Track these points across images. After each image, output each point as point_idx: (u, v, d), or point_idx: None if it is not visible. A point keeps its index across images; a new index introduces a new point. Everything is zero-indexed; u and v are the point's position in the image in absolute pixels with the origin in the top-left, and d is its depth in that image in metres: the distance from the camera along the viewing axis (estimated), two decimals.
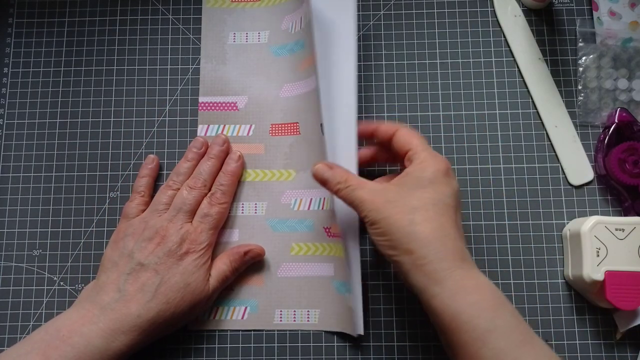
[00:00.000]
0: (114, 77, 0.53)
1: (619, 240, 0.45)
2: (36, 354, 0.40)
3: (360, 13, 0.54)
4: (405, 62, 0.53)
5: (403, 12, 0.54)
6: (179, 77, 0.53)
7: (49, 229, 0.51)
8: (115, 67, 0.54)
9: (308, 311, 0.48)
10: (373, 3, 0.54)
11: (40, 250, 0.50)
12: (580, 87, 0.51)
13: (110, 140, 0.52)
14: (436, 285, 0.37)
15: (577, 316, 0.48)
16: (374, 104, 0.52)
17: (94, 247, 0.50)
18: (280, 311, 0.48)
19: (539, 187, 0.50)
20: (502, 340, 0.36)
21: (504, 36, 0.53)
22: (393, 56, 0.53)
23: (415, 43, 0.53)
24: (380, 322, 0.48)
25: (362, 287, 0.47)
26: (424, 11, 0.54)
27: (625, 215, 0.49)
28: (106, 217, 0.51)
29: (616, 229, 0.45)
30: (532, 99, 0.52)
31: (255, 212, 0.50)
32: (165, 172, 0.51)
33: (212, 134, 0.52)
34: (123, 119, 0.53)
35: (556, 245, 0.49)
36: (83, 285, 0.49)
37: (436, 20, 0.54)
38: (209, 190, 0.48)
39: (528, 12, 0.53)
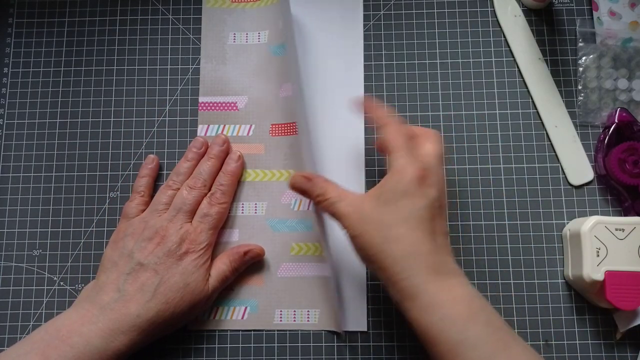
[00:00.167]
0: (114, 77, 0.53)
1: (619, 240, 0.45)
2: (35, 354, 0.40)
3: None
4: (405, 62, 0.53)
5: (403, 12, 0.54)
6: (179, 77, 0.53)
7: (49, 229, 0.51)
8: (115, 67, 0.54)
9: (308, 311, 0.48)
10: (373, 3, 0.54)
11: (40, 250, 0.50)
12: (580, 87, 0.51)
13: (110, 140, 0.52)
14: (409, 300, 0.38)
15: (577, 316, 0.48)
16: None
17: (94, 247, 0.50)
18: (280, 311, 0.48)
19: (539, 187, 0.50)
20: (473, 351, 0.36)
21: (504, 36, 0.53)
22: (393, 56, 0.53)
23: (415, 43, 0.53)
24: (380, 322, 0.48)
25: (365, 284, 0.47)
26: (424, 11, 0.54)
27: (625, 215, 0.49)
28: (106, 217, 0.51)
29: (616, 229, 0.45)
30: (532, 99, 0.52)
31: (255, 212, 0.50)
32: (165, 172, 0.51)
33: (212, 134, 0.52)
34: (123, 119, 0.53)
35: (556, 245, 0.49)
36: (83, 285, 0.49)
37: (436, 20, 0.54)
38: (209, 190, 0.48)
39: (528, 12, 0.53)
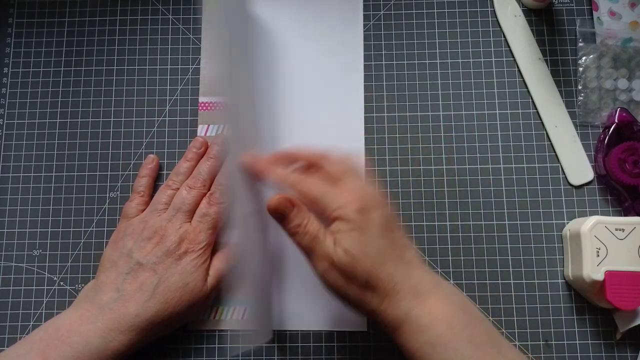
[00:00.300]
0: (114, 77, 0.53)
1: (619, 240, 0.45)
2: (35, 354, 0.40)
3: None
4: (405, 62, 0.53)
5: (403, 12, 0.54)
6: (179, 77, 0.53)
7: (49, 229, 0.51)
8: (115, 67, 0.54)
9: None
10: (373, 3, 0.54)
11: (40, 250, 0.50)
12: (580, 87, 0.51)
13: (110, 140, 0.52)
14: (395, 330, 0.38)
15: (577, 316, 0.48)
16: (374, 104, 0.52)
17: (94, 247, 0.50)
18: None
19: (539, 187, 0.50)
20: None
21: (504, 36, 0.53)
22: (393, 56, 0.53)
23: (415, 43, 0.53)
24: None
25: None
26: (424, 11, 0.54)
27: (625, 215, 0.49)
28: (106, 217, 0.51)
29: (616, 229, 0.45)
30: (532, 99, 0.52)
31: None
32: (165, 172, 0.51)
33: (212, 134, 0.52)
34: (123, 119, 0.53)
35: (556, 245, 0.49)
36: (83, 285, 0.49)
37: (436, 20, 0.54)
38: (209, 190, 0.48)
39: (528, 12, 0.53)
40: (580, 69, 0.52)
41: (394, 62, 0.53)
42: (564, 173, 0.50)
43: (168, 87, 0.53)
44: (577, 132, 0.51)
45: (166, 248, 0.45)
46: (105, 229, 0.51)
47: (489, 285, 0.49)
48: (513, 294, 0.48)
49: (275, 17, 0.53)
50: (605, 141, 0.49)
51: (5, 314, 0.49)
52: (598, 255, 0.44)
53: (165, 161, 0.52)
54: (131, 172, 0.51)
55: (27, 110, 0.53)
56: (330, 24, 0.53)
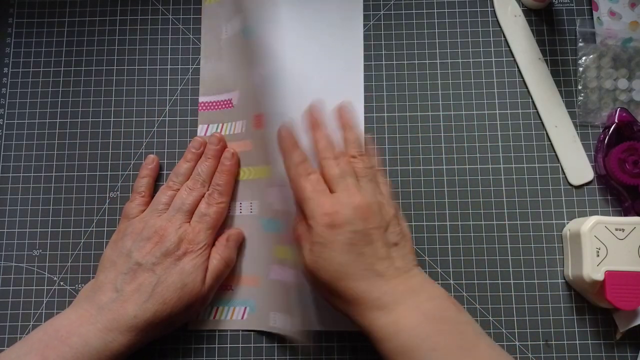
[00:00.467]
0: (114, 77, 0.53)
1: (619, 240, 0.45)
2: (35, 355, 0.40)
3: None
4: (405, 62, 0.53)
5: (403, 12, 0.54)
6: (179, 77, 0.53)
7: (49, 229, 0.51)
8: (115, 67, 0.54)
9: (288, 316, 0.46)
10: (373, 3, 0.54)
11: (40, 250, 0.50)
12: (580, 87, 0.51)
13: (110, 140, 0.52)
14: (366, 332, 0.41)
15: (577, 316, 0.48)
16: (374, 104, 0.52)
17: (94, 247, 0.50)
18: (275, 314, 0.47)
19: (539, 187, 0.50)
20: None
21: (504, 36, 0.53)
22: (393, 56, 0.53)
23: (415, 43, 0.53)
24: None
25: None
26: (424, 11, 0.54)
27: (625, 215, 0.49)
28: (106, 217, 0.51)
29: (616, 229, 0.45)
30: (532, 99, 0.52)
31: (251, 212, 0.50)
32: (165, 172, 0.51)
33: None
34: (123, 119, 0.53)
35: (556, 245, 0.49)
36: (83, 285, 0.49)
37: (436, 20, 0.54)
38: (208, 190, 0.48)
39: (528, 12, 0.53)
40: (580, 69, 0.52)
41: (394, 62, 0.53)
42: (564, 173, 0.50)
43: (168, 87, 0.53)
44: (577, 132, 0.51)
45: (165, 248, 0.45)
46: (105, 229, 0.51)
47: (489, 285, 0.49)
48: (513, 294, 0.48)
49: (275, 17, 0.53)
50: (605, 141, 0.49)
51: (5, 314, 0.49)
52: (598, 255, 0.44)
53: (165, 161, 0.52)
54: (131, 172, 0.51)
55: (27, 110, 0.53)
56: (330, 23, 0.53)
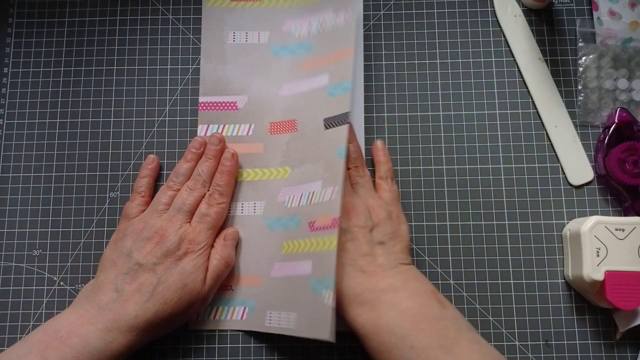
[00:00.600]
0: (114, 77, 0.53)
1: (619, 240, 0.45)
2: (35, 355, 0.40)
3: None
4: (405, 62, 0.53)
5: (403, 12, 0.54)
6: (179, 77, 0.53)
7: (49, 229, 0.51)
8: (115, 67, 0.54)
9: (288, 314, 0.46)
10: (373, 3, 0.54)
11: (40, 250, 0.50)
12: (580, 87, 0.51)
13: (110, 140, 0.52)
14: (352, 330, 0.43)
15: (577, 316, 0.48)
16: (374, 104, 0.52)
17: (94, 247, 0.50)
18: (270, 313, 0.47)
19: (539, 187, 0.50)
20: None
21: (504, 36, 0.53)
22: (393, 56, 0.53)
23: (415, 43, 0.53)
24: None
25: None
26: (424, 11, 0.54)
27: (625, 215, 0.49)
28: (106, 217, 0.51)
29: (616, 229, 0.45)
30: (532, 99, 0.52)
31: (254, 212, 0.50)
32: (165, 172, 0.51)
33: None
34: (123, 119, 0.53)
35: (556, 245, 0.49)
36: (83, 285, 0.49)
37: (436, 20, 0.54)
38: (208, 190, 0.48)
39: (528, 12, 0.53)
40: (580, 69, 0.52)
41: (394, 62, 0.53)
42: (564, 173, 0.50)
43: (168, 87, 0.53)
44: (577, 132, 0.51)
45: (166, 248, 0.45)
46: (105, 229, 0.51)
47: (489, 285, 0.49)
48: (513, 294, 0.48)
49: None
50: (605, 141, 0.49)
51: (5, 314, 0.49)
52: (598, 255, 0.44)
53: (166, 161, 0.52)
54: (131, 172, 0.51)
55: (27, 110, 0.53)
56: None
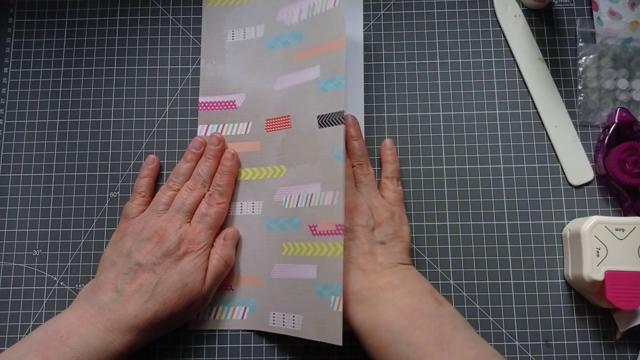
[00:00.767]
0: (114, 77, 0.53)
1: (619, 240, 0.45)
2: (35, 355, 0.40)
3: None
4: (405, 62, 0.53)
5: (403, 12, 0.54)
6: (179, 77, 0.53)
7: (49, 229, 0.51)
8: (115, 67, 0.54)
9: (293, 316, 0.45)
10: (373, 3, 0.54)
11: (40, 250, 0.50)
12: (580, 87, 0.51)
13: (110, 140, 0.52)
14: (350, 328, 0.44)
15: (577, 316, 0.48)
16: (374, 104, 0.52)
17: (94, 247, 0.50)
18: (274, 314, 0.47)
19: (539, 187, 0.50)
20: None
21: (504, 36, 0.53)
22: (393, 56, 0.53)
23: (415, 43, 0.53)
24: None
25: None
26: (424, 11, 0.54)
27: (625, 215, 0.49)
28: (106, 217, 0.51)
29: (616, 229, 0.45)
30: (532, 99, 0.52)
31: (253, 212, 0.50)
32: (165, 172, 0.51)
33: None
34: (123, 119, 0.53)
35: (556, 245, 0.49)
36: (83, 285, 0.49)
37: (436, 20, 0.54)
38: (208, 190, 0.48)
39: (528, 12, 0.53)
40: (580, 69, 0.52)
41: (394, 62, 0.53)
42: (564, 173, 0.50)
43: (168, 87, 0.53)
44: (577, 132, 0.51)
45: (165, 248, 0.45)
46: (105, 229, 0.51)
47: (489, 285, 0.49)
48: (513, 294, 0.48)
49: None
50: (605, 141, 0.49)
51: (5, 314, 0.49)
52: (598, 255, 0.44)
53: (166, 161, 0.52)
54: (131, 172, 0.51)
55: (27, 110, 0.53)
56: None
